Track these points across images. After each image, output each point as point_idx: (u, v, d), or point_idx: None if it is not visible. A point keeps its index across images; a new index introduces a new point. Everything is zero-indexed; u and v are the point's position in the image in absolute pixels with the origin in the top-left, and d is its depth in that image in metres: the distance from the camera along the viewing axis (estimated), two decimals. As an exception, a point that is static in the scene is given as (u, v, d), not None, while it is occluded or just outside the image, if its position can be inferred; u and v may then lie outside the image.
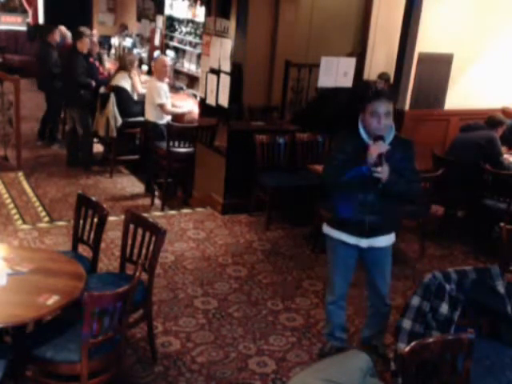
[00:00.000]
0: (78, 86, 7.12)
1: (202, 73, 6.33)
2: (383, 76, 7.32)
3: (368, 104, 3.35)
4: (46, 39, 8.03)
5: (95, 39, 8.59)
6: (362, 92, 6.88)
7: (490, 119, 5.96)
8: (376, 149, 3.27)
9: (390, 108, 3.35)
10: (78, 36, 7.21)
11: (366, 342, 3.96)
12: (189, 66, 9.09)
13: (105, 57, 9.99)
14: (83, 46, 7.18)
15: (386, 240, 3.61)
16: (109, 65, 9.06)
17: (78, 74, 7.09)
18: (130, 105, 7.08)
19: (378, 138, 3.31)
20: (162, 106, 6.53)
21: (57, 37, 8.14)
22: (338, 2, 7.39)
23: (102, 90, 7.31)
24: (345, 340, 3.90)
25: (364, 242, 3.55)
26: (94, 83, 7.27)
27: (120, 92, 6.99)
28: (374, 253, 3.61)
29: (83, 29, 7.35)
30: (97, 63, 7.84)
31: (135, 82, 7.18)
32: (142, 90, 7.17)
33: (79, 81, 7.11)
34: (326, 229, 3.69)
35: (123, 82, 7.06)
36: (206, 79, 6.20)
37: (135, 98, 7.18)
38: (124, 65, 7.17)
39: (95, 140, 7.58)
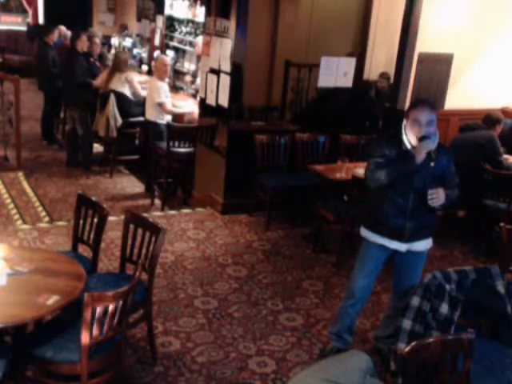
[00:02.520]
0: (77, 86, 7.11)
1: (202, 73, 6.33)
2: (384, 75, 7.33)
3: (411, 111, 3.41)
4: (44, 39, 8.03)
5: (98, 40, 8.56)
6: (362, 92, 6.94)
7: (488, 118, 5.95)
8: (423, 147, 3.32)
9: (433, 116, 3.39)
10: (76, 36, 7.20)
11: (377, 340, 3.95)
12: (189, 66, 9.08)
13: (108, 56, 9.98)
14: (82, 45, 7.17)
15: (424, 244, 3.67)
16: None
17: (78, 73, 7.09)
18: (129, 106, 7.06)
19: (423, 137, 3.34)
20: (161, 105, 6.52)
21: (54, 37, 8.12)
22: (338, 1, 7.39)
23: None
24: (349, 342, 3.89)
25: (403, 247, 3.58)
26: (94, 83, 7.27)
27: (118, 96, 6.95)
28: (410, 257, 3.64)
29: (91, 30, 7.28)
30: (97, 63, 7.82)
31: (135, 86, 7.09)
32: (142, 92, 7.13)
33: (79, 81, 7.10)
34: (364, 232, 3.70)
35: (120, 86, 7.01)
36: (205, 79, 6.20)
37: (133, 98, 7.15)
38: (118, 66, 7.11)
39: (95, 140, 7.57)
